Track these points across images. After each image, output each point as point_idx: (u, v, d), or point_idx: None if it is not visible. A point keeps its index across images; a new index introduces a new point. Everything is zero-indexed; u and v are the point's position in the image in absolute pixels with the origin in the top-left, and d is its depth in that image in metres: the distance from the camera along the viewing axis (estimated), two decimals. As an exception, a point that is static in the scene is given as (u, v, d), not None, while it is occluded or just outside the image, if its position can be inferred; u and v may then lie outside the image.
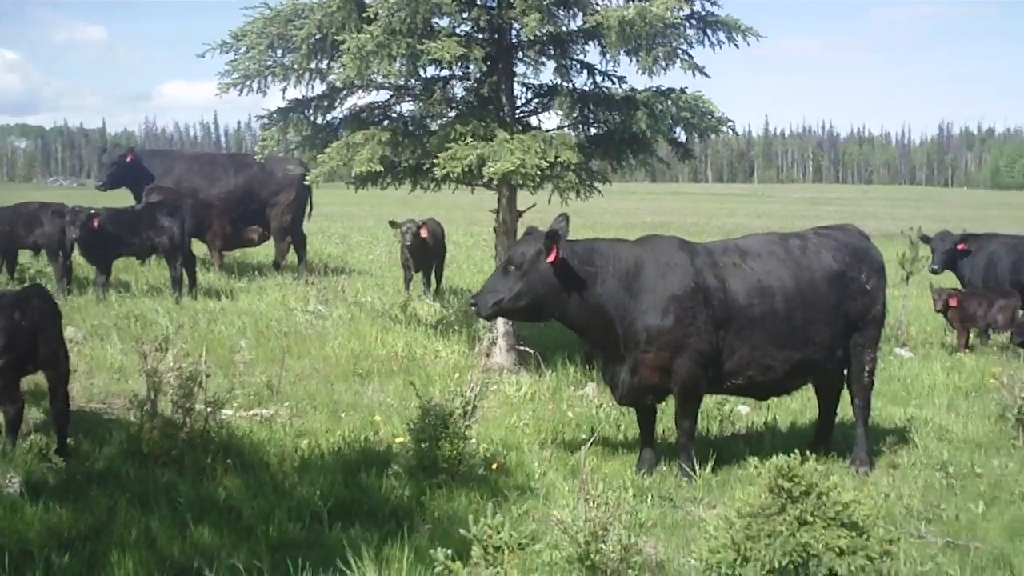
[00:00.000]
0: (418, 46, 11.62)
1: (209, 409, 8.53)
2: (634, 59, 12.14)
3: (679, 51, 12.22)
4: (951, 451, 9.98)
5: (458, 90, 13.44)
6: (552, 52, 12.96)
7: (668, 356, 8.83)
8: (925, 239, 17.91)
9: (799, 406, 11.43)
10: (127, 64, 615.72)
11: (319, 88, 13.40)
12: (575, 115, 13.35)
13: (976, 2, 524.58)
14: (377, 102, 13.81)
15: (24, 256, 17.90)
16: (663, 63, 12.06)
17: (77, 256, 16.89)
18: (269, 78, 12.98)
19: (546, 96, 13.63)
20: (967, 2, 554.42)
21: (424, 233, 18.30)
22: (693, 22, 12.77)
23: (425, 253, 18.78)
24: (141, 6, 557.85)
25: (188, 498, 7.47)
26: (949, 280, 18.18)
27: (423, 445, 8.11)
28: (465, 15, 12.34)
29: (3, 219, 16.98)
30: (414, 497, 7.79)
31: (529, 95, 13.79)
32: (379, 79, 12.60)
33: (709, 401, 10.44)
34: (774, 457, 5.67)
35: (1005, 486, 8.94)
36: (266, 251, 22.29)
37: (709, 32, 12.91)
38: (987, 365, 13.72)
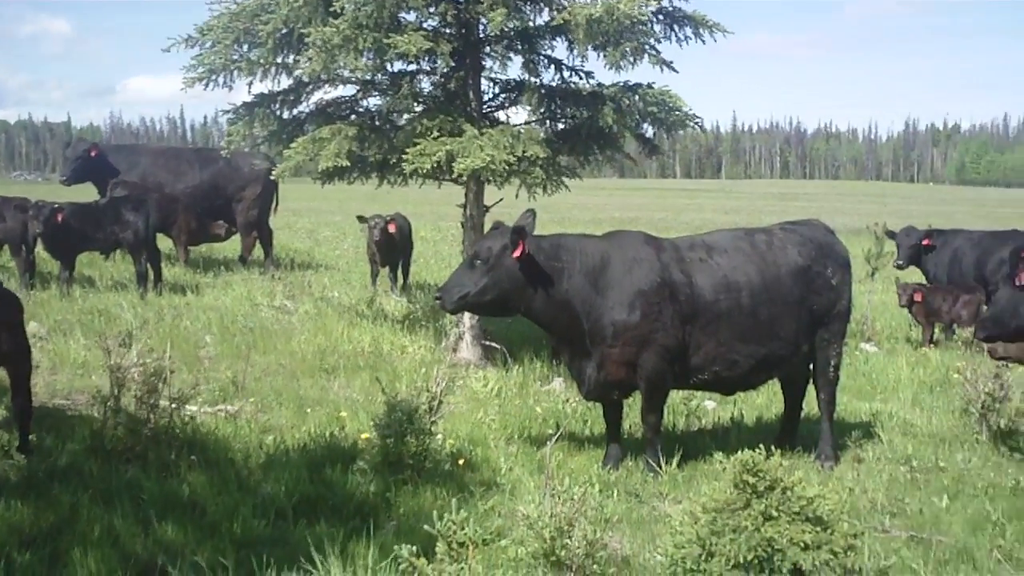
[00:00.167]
0: (385, 40, 11.57)
1: (173, 405, 8.46)
2: (602, 54, 12.11)
3: (646, 46, 12.22)
4: (915, 445, 10.05)
5: (425, 85, 13.45)
6: (520, 47, 12.93)
7: (634, 351, 8.84)
8: (890, 235, 18.00)
9: (765, 401, 11.47)
10: (92, 58, 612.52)
11: (285, 83, 13.37)
12: (542, 110, 13.35)
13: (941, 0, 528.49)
14: (344, 97, 13.76)
15: (-14, 251, 17.74)
16: (631, 58, 12.05)
17: (40, 251, 16.75)
18: (235, 73, 12.95)
19: (513, 91, 13.61)
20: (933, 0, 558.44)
21: (392, 228, 18.30)
22: (660, 18, 12.77)
23: (392, 248, 18.79)
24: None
25: (152, 495, 7.40)
26: (914, 276, 18.28)
27: (388, 441, 8.08)
28: (432, 9, 12.30)
29: (-34, 214, 16.79)
30: (379, 493, 7.76)
31: (496, 90, 13.76)
32: (346, 73, 12.57)
33: (675, 396, 10.46)
34: (740, 452, 5.67)
35: (968, 480, 9.00)
36: (232, 246, 22.17)
37: (676, 28, 12.91)
38: (951, 360, 13.81)
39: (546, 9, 12.39)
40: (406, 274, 19.80)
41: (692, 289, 9.00)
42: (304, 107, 13.79)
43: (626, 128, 12.91)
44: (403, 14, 12.24)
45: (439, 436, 8.70)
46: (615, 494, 8.25)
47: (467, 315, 12.66)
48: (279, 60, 12.86)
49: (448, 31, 12.68)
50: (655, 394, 9.12)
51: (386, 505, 7.61)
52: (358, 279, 20.11)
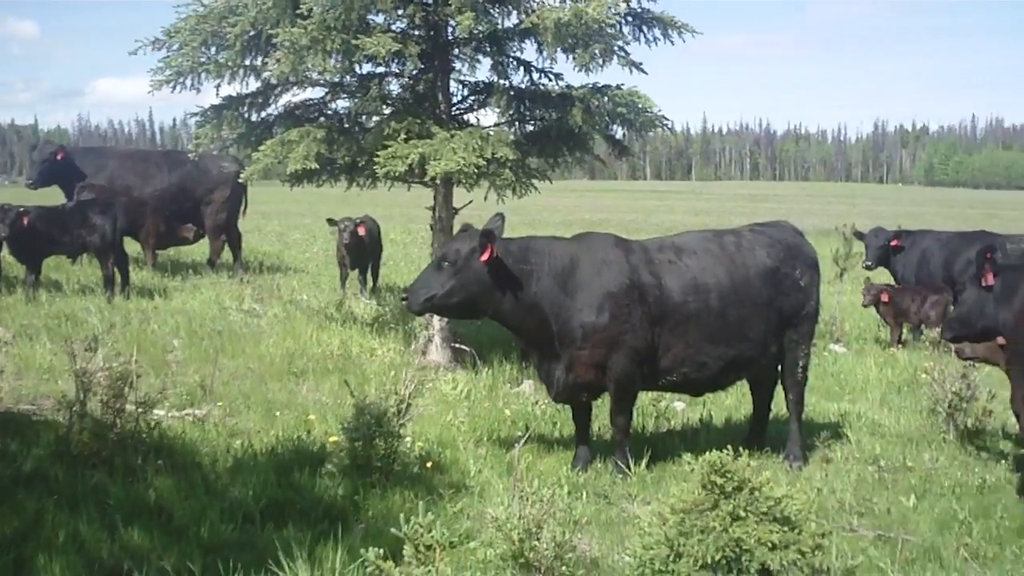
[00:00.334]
0: (353, 42, 11.55)
1: (140, 409, 8.38)
2: (571, 56, 12.12)
3: (615, 48, 12.24)
4: (883, 445, 10.11)
5: (394, 87, 13.44)
6: (488, 49, 12.95)
7: (603, 353, 8.84)
8: (859, 235, 18.07)
9: (734, 402, 11.50)
10: (60, 60, 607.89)
11: (253, 85, 13.34)
12: (511, 112, 13.36)
13: (909, 1, 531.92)
14: (312, 99, 13.75)
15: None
16: (600, 60, 12.05)
17: (6, 255, 16.61)
18: (203, 75, 12.92)
19: (482, 93, 13.61)
20: (901, 1, 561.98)
21: (361, 231, 18.28)
22: (629, 19, 12.81)
23: (362, 251, 18.77)
24: (73, 1, 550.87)
25: (118, 500, 7.34)
26: (883, 276, 18.37)
27: (357, 444, 8.04)
28: (400, 12, 12.30)
29: (-70, 217, 16.63)
30: (348, 496, 7.73)
31: (465, 92, 13.77)
32: (314, 75, 12.56)
33: (645, 398, 10.48)
34: (708, 453, 5.67)
35: (935, 479, 9.05)
36: (201, 249, 22.06)
37: (645, 29, 12.96)
38: (919, 360, 13.85)
39: (515, 12, 12.41)
40: (375, 277, 19.78)
41: (661, 291, 9.01)
42: (272, 109, 13.77)
43: (595, 129, 12.95)
44: (371, 16, 12.23)
45: (408, 439, 8.67)
46: (584, 496, 8.26)
47: (436, 318, 12.65)
48: (247, 62, 12.83)
49: (417, 33, 12.67)
50: (624, 396, 9.12)
51: (354, 508, 7.58)
52: (327, 282, 20.05)
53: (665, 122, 13.21)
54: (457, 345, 13.20)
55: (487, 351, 13.19)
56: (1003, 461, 9.65)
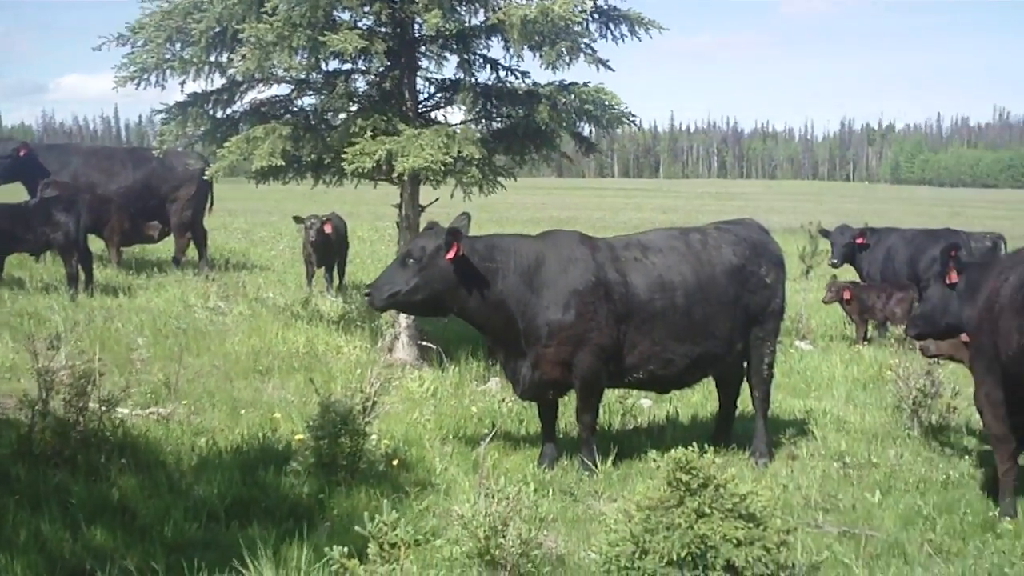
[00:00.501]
0: (319, 38, 11.49)
1: (103, 408, 8.30)
2: (538, 54, 12.10)
3: (582, 46, 12.23)
4: (849, 442, 10.17)
5: (360, 84, 13.41)
6: (455, 47, 12.91)
7: (569, 350, 8.85)
8: (824, 233, 18.17)
9: (700, 399, 11.53)
10: (24, 56, 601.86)
11: (219, 82, 13.26)
12: (478, 109, 13.35)
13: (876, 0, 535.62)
14: (278, 96, 13.66)
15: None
16: (566, 58, 12.05)
17: (-32, 253, 16.45)
18: (167, 72, 12.84)
19: (449, 90, 13.57)
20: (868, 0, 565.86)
21: (328, 229, 18.24)
22: (596, 16, 12.81)
23: (328, 249, 18.74)
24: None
25: (81, 499, 7.27)
26: (848, 274, 18.48)
27: (322, 442, 8.00)
28: (366, 9, 12.24)
29: None
30: (313, 495, 7.69)
31: (432, 89, 13.72)
32: (280, 72, 12.48)
33: (611, 395, 10.48)
34: (674, 450, 5.68)
35: (900, 475, 9.12)
36: (166, 247, 21.91)
37: (612, 26, 12.96)
38: (884, 357, 13.96)
39: (481, 10, 12.37)
40: (342, 274, 19.74)
41: (627, 288, 9.02)
42: (238, 106, 13.68)
43: (562, 126, 12.93)
44: (338, 13, 12.17)
45: (374, 437, 8.63)
46: (550, 493, 8.26)
47: (403, 315, 12.62)
48: (212, 59, 12.76)
49: (383, 30, 12.63)
50: (590, 393, 9.13)
51: (320, 507, 7.54)
52: (293, 280, 19.99)
53: (632, 118, 13.21)
54: (424, 343, 13.19)
55: (454, 349, 13.18)
56: (966, 457, 9.74)
